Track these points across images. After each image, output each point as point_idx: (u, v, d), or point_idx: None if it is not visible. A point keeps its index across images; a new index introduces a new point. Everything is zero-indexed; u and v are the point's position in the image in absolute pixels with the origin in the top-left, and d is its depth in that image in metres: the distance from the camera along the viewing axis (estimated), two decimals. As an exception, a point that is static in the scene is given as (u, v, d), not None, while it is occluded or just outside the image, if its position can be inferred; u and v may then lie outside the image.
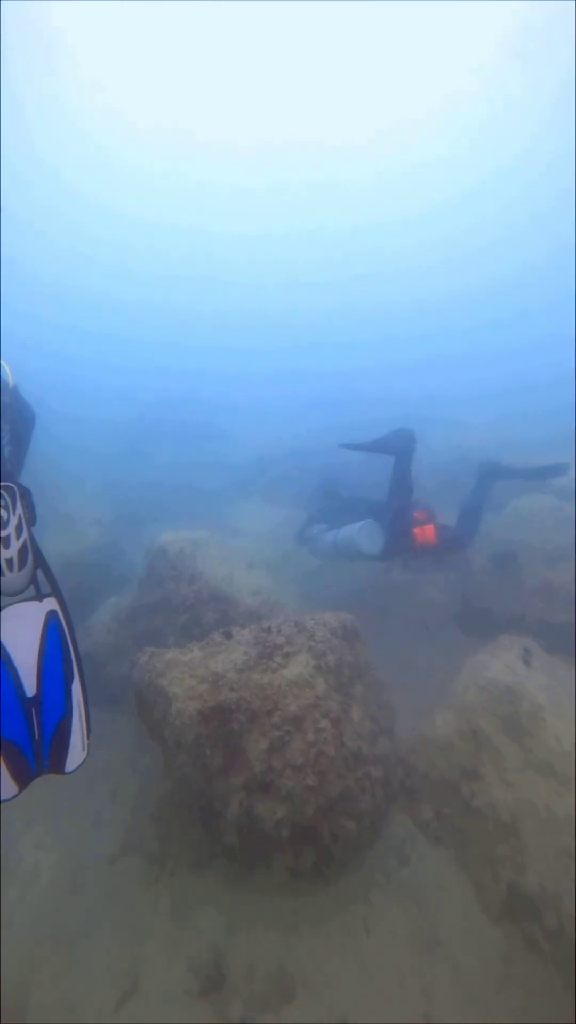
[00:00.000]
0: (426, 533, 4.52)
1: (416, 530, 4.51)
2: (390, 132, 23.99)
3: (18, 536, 1.51)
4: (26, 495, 1.63)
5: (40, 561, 1.56)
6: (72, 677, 1.38)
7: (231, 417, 13.73)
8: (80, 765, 1.36)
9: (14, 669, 1.32)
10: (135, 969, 2.29)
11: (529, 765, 2.69)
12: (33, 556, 1.54)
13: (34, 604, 1.44)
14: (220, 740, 2.41)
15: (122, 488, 8.99)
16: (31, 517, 1.59)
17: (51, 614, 1.42)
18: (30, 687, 1.33)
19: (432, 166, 25.89)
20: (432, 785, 2.94)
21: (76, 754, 1.35)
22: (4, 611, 1.39)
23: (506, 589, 4.64)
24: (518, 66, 18.55)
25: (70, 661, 1.39)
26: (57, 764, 1.33)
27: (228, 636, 2.81)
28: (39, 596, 1.48)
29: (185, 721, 2.38)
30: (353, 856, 2.71)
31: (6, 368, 2.52)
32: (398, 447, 4.46)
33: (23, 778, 1.29)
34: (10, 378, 2.53)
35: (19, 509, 1.55)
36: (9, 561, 1.48)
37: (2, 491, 1.56)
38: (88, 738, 1.39)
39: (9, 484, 1.60)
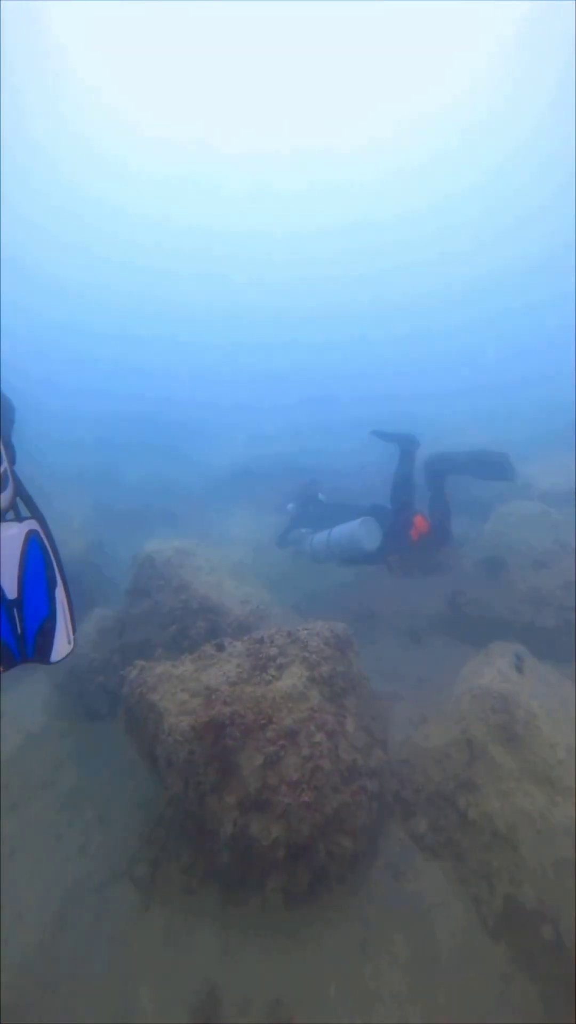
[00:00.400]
0: (418, 524, 4.55)
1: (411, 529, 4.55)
2: (384, 134, 24.34)
3: None
4: (5, 435, 1.74)
5: (20, 490, 1.63)
6: (55, 584, 1.44)
7: (216, 416, 13.66)
8: (66, 656, 1.40)
9: None
10: (127, 1006, 2.18)
11: (524, 774, 2.67)
12: (13, 483, 1.61)
13: (14, 523, 1.49)
14: (214, 757, 2.33)
15: (105, 495, 8.84)
16: (11, 453, 1.70)
17: (32, 532, 1.48)
18: (11, 591, 1.37)
19: (427, 166, 26.27)
20: (427, 797, 2.90)
21: (61, 647, 1.40)
22: None
23: (495, 595, 4.66)
24: (517, 63, 18.95)
25: (52, 571, 1.45)
26: (42, 655, 1.37)
27: (220, 648, 2.74)
28: (19, 519, 1.53)
29: (177, 738, 2.29)
30: (348, 873, 2.64)
31: None
32: (406, 444, 4.57)
33: (6, 663, 1.32)
34: None
35: None
36: None
37: None
38: (74, 634, 1.44)
39: None
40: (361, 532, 4.38)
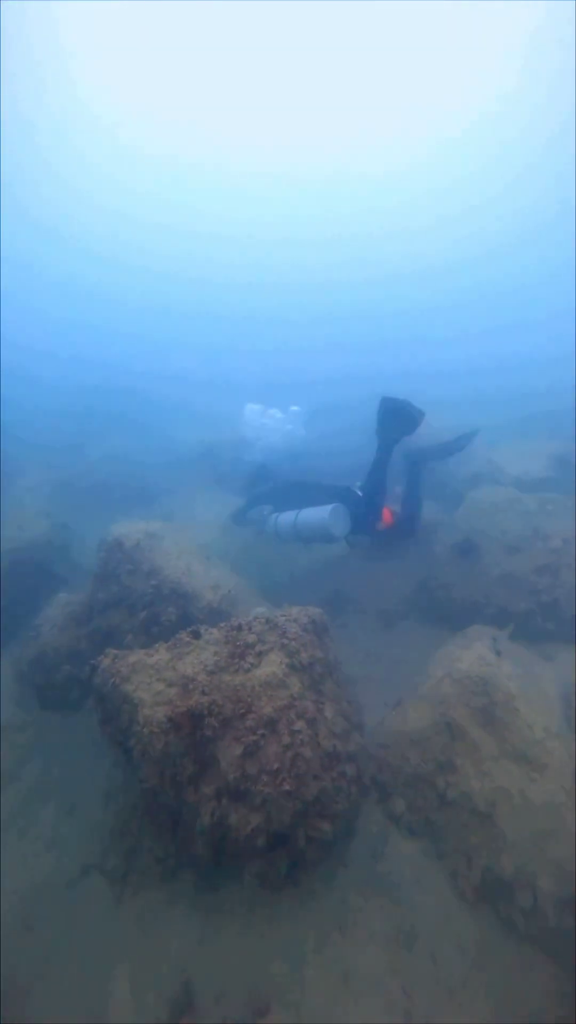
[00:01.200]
0: (384, 518, 4.57)
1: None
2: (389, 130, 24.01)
3: None
4: None
5: None
6: None
7: (189, 393, 13.29)
8: None
9: None
10: (100, 1004, 2.09)
11: (503, 754, 2.70)
12: None
13: None
14: (191, 748, 2.24)
15: (70, 470, 8.46)
16: None
17: None
18: None
19: (435, 147, 25.98)
20: (405, 779, 2.90)
21: None
22: None
23: (467, 579, 4.70)
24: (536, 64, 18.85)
25: None
26: None
27: (196, 635, 2.63)
28: None
29: (153, 729, 2.18)
30: (326, 856, 2.63)
31: None
32: (394, 432, 4.43)
33: None
34: None
35: None
36: None
37: None
38: None
39: None
40: (331, 520, 4.33)
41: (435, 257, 30.01)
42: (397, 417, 4.38)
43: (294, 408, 5.63)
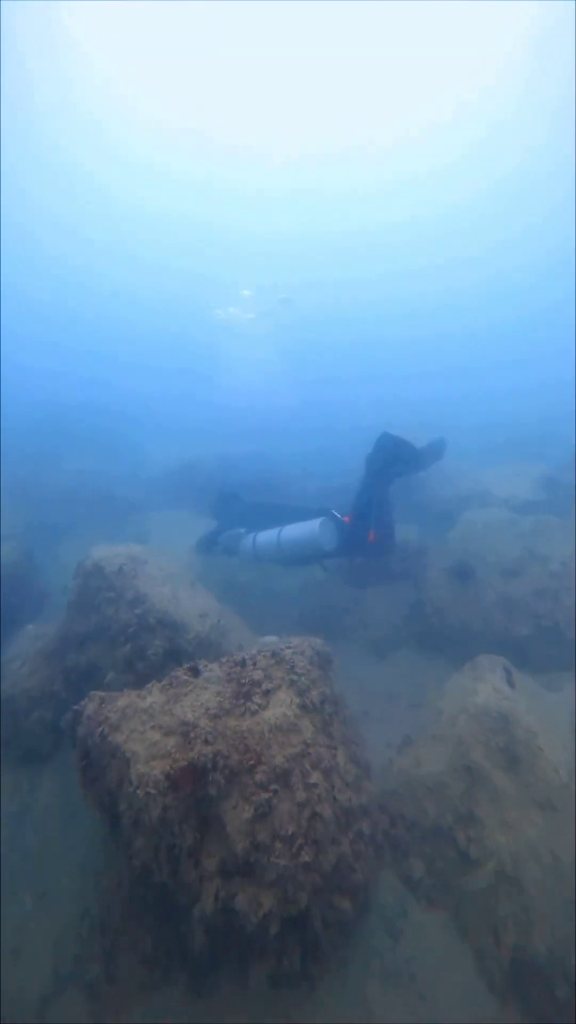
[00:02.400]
0: (371, 536, 4.53)
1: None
2: (390, 138, 24.22)
3: None
4: None
5: None
6: None
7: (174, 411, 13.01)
8: None
9: None
10: None
11: (529, 802, 2.45)
12: None
13: None
14: (192, 811, 1.90)
15: (33, 496, 7.94)
16: None
17: None
18: None
19: (434, 172, 26.22)
20: (423, 834, 2.60)
21: None
22: None
23: (463, 604, 4.52)
24: (530, 66, 19.02)
25: None
26: None
27: (195, 672, 2.30)
28: None
29: (149, 790, 1.83)
30: (344, 942, 2.27)
31: None
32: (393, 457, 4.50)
33: None
34: None
35: None
36: None
37: None
38: None
39: None
40: (321, 532, 4.26)
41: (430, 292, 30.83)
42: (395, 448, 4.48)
43: (283, 295, 5.48)
